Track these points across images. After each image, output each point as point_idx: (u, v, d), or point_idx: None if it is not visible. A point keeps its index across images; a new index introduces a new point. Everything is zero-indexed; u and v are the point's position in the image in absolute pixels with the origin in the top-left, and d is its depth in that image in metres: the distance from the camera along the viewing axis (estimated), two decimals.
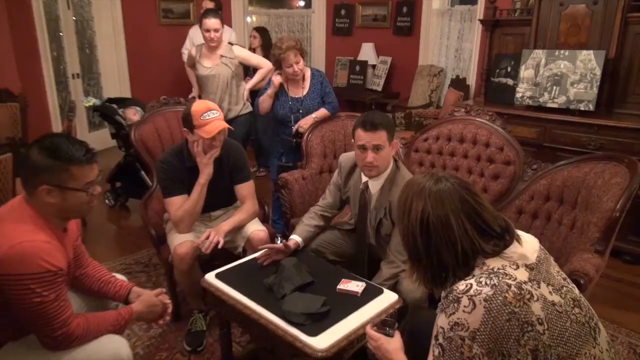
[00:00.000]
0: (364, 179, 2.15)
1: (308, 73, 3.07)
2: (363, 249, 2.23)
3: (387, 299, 1.79)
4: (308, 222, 2.23)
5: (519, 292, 1.07)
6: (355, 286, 1.82)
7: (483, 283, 1.09)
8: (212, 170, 2.16)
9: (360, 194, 2.16)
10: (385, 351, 1.34)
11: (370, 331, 1.39)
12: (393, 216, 2.06)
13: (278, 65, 2.96)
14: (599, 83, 3.08)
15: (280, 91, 3.06)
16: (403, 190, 1.25)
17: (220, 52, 3.43)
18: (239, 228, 2.30)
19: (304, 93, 3.04)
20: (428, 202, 1.16)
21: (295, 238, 2.15)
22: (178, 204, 2.19)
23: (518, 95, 3.43)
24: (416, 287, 1.88)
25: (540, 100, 3.32)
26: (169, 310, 1.77)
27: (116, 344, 1.55)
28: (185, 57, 4.37)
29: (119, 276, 1.83)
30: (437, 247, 1.15)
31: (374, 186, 2.12)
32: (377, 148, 1.98)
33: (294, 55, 2.86)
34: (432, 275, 1.20)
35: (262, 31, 4.63)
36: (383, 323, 1.41)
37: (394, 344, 1.34)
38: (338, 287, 1.83)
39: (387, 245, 2.11)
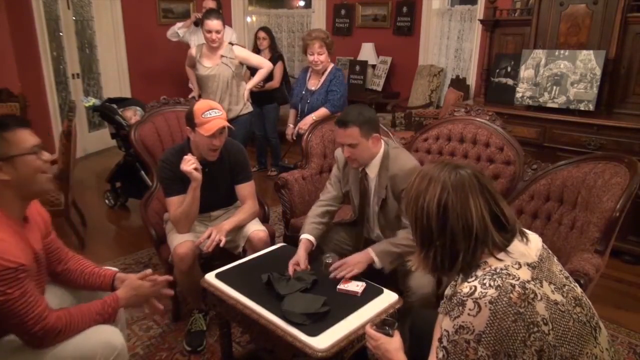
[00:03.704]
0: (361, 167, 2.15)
1: (329, 69, 3.17)
2: (360, 242, 2.23)
3: (387, 299, 1.78)
4: (314, 219, 2.20)
5: (523, 291, 1.07)
6: (355, 286, 1.82)
7: (487, 285, 1.09)
8: (199, 176, 2.13)
9: (359, 182, 2.17)
10: (385, 351, 1.33)
11: (370, 330, 1.39)
12: (396, 189, 2.03)
13: (304, 51, 3.25)
14: (599, 83, 3.08)
15: (301, 79, 3.35)
16: (418, 174, 1.23)
17: (221, 52, 3.44)
18: (239, 228, 2.30)
19: (317, 87, 3.21)
20: (447, 186, 1.14)
21: (307, 237, 2.10)
22: (178, 204, 2.19)
23: (518, 95, 3.43)
24: (426, 282, 1.93)
25: (540, 100, 3.32)
26: (164, 292, 1.72)
27: (107, 333, 1.53)
28: (170, 32, 4.50)
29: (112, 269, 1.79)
30: (452, 231, 1.14)
31: (372, 170, 2.12)
32: (350, 146, 2.00)
33: (318, 46, 3.12)
34: (441, 259, 1.17)
35: (268, 31, 4.66)
36: (383, 323, 1.41)
37: (393, 344, 1.34)
38: (338, 287, 1.83)
39: (397, 231, 2.08)
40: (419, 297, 1.92)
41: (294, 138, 3.49)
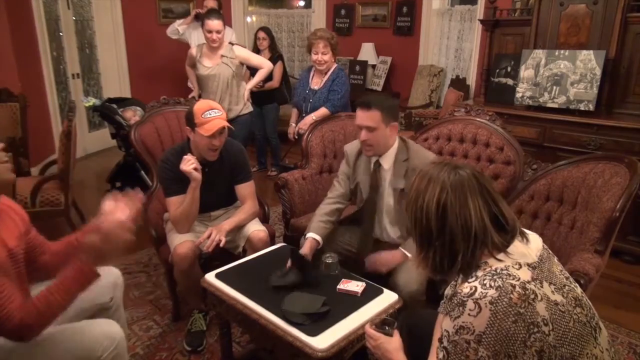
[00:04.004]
0: (374, 158, 2.16)
1: (332, 69, 3.19)
2: (368, 242, 2.22)
3: (387, 299, 1.79)
4: (322, 218, 2.18)
5: (523, 292, 1.07)
6: (355, 286, 1.82)
7: (487, 285, 1.09)
8: (199, 176, 2.13)
9: (371, 174, 2.16)
10: (385, 350, 1.33)
11: (370, 330, 1.39)
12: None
13: (308, 49, 3.26)
14: (599, 83, 3.08)
15: (304, 78, 3.35)
16: (418, 174, 1.23)
17: (221, 52, 3.44)
18: (239, 228, 2.30)
19: (319, 86, 3.23)
20: (447, 186, 1.15)
21: (314, 236, 2.11)
22: (178, 204, 2.20)
23: (518, 95, 3.43)
24: (412, 280, 1.95)
25: (540, 100, 3.32)
26: (123, 216, 1.47)
27: (104, 325, 1.56)
28: (170, 29, 4.50)
29: None
30: (451, 231, 1.14)
31: (386, 161, 2.13)
32: (369, 129, 2.01)
33: (323, 46, 3.13)
34: (440, 259, 1.17)
35: (268, 31, 4.67)
36: (383, 322, 1.41)
37: (393, 344, 1.34)
38: (338, 287, 1.83)
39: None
40: (406, 294, 1.93)
41: (296, 137, 3.50)
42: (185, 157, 2.13)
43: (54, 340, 1.49)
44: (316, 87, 3.25)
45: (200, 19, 4.07)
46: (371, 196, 2.19)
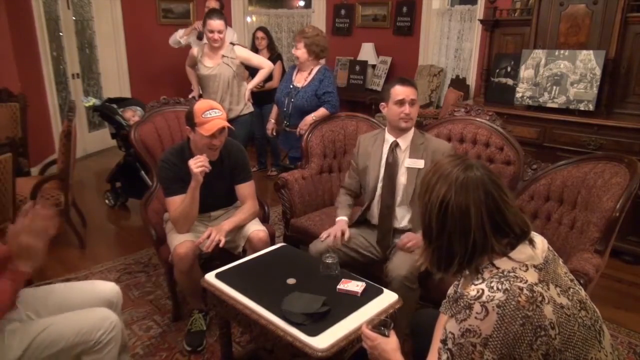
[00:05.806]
0: (391, 139, 2.27)
1: (317, 68, 3.18)
2: (388, 232, 2.25)
3: (387, 298, 1.78)
4: (344, 200, 2.42)
5: (531, 294, 1.06)
6: (355, 286, 1.82)
7: (495, 288, 1.07)
8: (201, 178, 2.12)
9: (388, 152, 2.27)
10: (382, 351, 1.33)
11: (366, 331, 1.38)
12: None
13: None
14: (598, 83, 3.08)
15: (288, 75, 3.36)
16: (430, 169, 1.23)
17: (222, 52, 3.44)
18: (239, 228, 2.30)
19: (304, 84, 3.20)
20: (452, 187, 1.13)
21: (343, 218, 2.32)
22: (178, 204, 2.19)
23: (518, 95, 3.43)
24: (403, 265, 2.01)
25: (540, 100, 3.33)
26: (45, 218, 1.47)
27: (97, 312, 1.62)
28: (172, 40, 4.50)
29: None
30: (449, 234, 1.13)
31: (404, 142, 2.27)
32: (412, 103, 2.21)
33: (297, 40, 3.18)
34: (438, 259, 1.18)
35: (266, 31, 4.66)
36: (380, 323, 1.41)
37: (390, 344, 1.33)
38: (338, 287, 1.82)
39: None
40: (395, 279, 1.98)
41: (274, 134, 3.58)
42: (198, 156, 2.12)
43: (54, 324, 1.54)
44: (299, 85, 3.21)
45: (202, 38, 4.04)
46: (388, 173, 2.26)
